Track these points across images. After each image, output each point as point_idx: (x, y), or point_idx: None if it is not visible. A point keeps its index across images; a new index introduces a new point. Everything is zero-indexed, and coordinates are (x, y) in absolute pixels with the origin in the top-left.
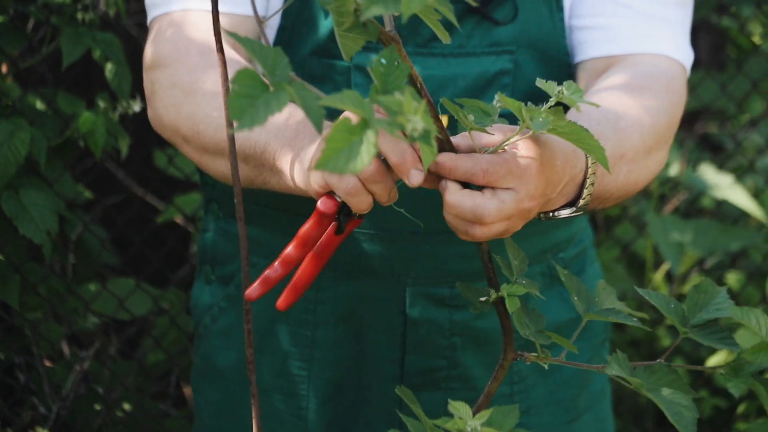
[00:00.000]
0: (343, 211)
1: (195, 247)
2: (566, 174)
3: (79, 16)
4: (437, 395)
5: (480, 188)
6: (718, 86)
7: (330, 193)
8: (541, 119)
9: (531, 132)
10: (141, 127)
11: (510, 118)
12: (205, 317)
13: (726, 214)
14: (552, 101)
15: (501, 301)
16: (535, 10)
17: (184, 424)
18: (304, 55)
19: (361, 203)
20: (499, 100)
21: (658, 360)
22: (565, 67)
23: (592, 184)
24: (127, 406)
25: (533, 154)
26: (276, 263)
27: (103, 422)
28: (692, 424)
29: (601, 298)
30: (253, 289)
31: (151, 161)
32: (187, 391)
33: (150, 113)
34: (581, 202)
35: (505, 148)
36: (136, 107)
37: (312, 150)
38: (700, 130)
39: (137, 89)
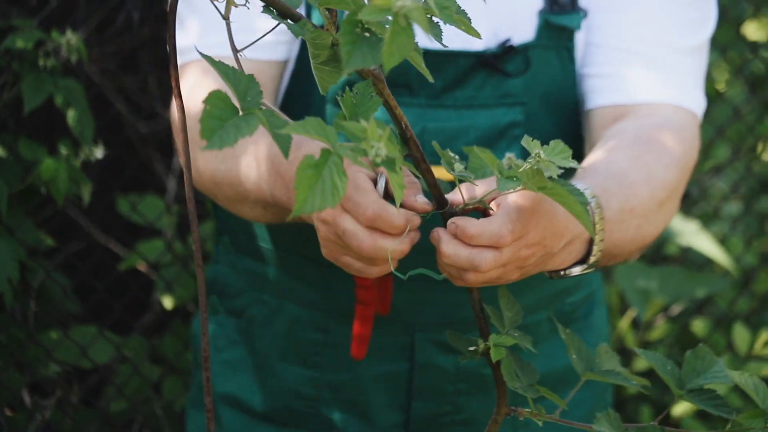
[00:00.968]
0: None
1: (158, 294)
2: (569, 228)
3: (41, 62)
4: None
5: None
6: None
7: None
8: (505, 179)
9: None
10: (103, 174)
11: None
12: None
13: (691, 260)
14: (532, 160)
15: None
16: (546, 62)
17: None
18: (317, 102)
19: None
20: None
21: (651, 423)
22: (577, 118)
23: (602, 240)
24: None
25: (529, 203)
26: (358, 326)
27: None
28: None
29: (601, 360)
30: (360, 351)
31: (114, 208)
32: None
33: (194, 174)
34: (592, 259)
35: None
36: (99, 154)
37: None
38: None
39: (100, 135)
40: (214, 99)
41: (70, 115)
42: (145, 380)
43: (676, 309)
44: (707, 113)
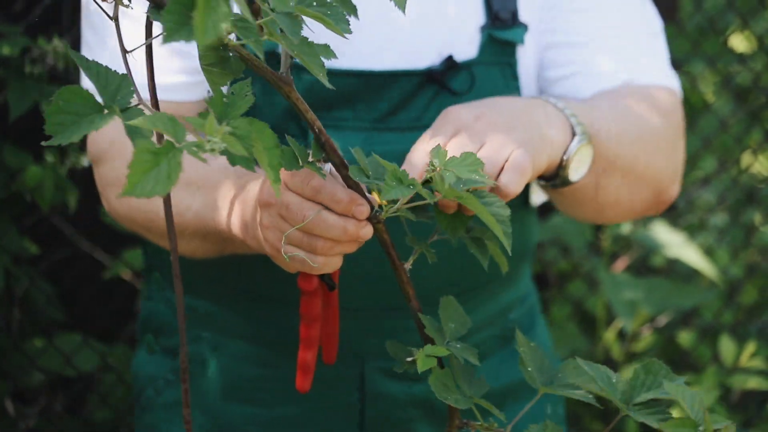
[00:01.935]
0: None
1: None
2: (520, 103)
3: (27, 69)
4: None
5: None
6: None
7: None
8: (392, 186)
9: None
10: (89, 182)
11: None
12: (148, 389)
13: (678, 272)
14: (429, 169)
15: (439, 362)
16: (490, 78)
17: None
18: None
19: (335, 264)
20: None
21: None
22: None
23: (574, 115)
24: None
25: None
26: (302, 349)
27: None
28: None
29: (565, 374)
30: (304, 382)
31: (99, 216)
32: None
33: (106, 206)
34: (579, 129)
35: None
36: (85, 161)
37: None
38: None
39: (86, 143)
40: (68, 94)
41: None
42: (130, 389)
43: (662, 320)
44: (694, 124)
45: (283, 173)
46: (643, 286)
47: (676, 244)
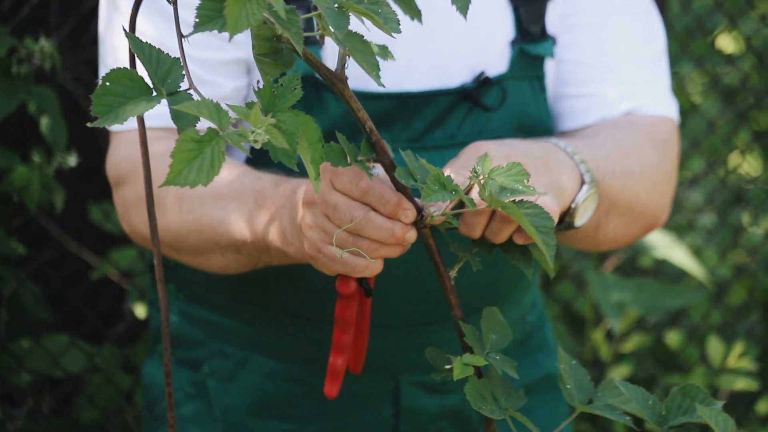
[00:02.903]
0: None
1: (130, 303)
2: (538, 149)
3: (14, 69)
4: None
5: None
6: None
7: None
8: (434, 191)
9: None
10: (76, 182)
11: None
12: (164, 401)
13: (666, 273)
14: (472, 175)
15: (477, 372)
16: (520, 93)
17: None
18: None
19: (376, 268)
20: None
21: None
22: None
23: (583, 161)
24: None
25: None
26: (333, 354)
27: None
28: None
29: (604, 393)
30: (332, 388)
31: (87, 216)
32: None
33: (128, 229)
34: (587, 176)
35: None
36: (72, 161)
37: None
38: None
39: (73, 143)
40: (115, 75)
41: (43, 122)
42: (118, 390)
43: (650, 321)
44: (682, 125)
45: (330, 174)
46: (632, 286)
47: (664, 245)
